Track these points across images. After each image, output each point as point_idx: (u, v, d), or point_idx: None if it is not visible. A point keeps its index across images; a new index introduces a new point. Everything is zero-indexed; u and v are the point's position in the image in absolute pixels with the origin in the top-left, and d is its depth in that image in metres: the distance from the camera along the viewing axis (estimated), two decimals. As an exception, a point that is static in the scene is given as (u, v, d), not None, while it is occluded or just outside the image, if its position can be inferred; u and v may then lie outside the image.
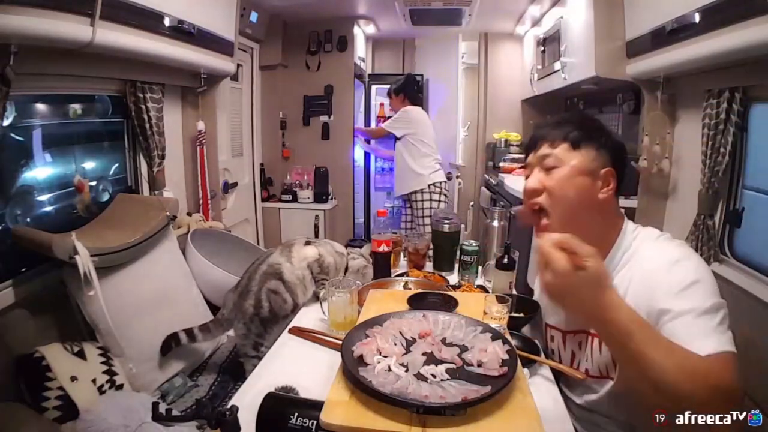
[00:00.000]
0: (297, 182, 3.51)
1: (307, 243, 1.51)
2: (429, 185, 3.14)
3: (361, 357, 0.76)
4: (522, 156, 3.50)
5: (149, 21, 1.74)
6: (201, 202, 2.49)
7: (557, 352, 1.00)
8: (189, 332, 1.68)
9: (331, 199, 3.57)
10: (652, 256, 0.82)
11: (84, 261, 1.47)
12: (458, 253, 1.48)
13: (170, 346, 1.69)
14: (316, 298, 1.35)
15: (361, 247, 1.56)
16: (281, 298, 1.46)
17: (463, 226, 1.81)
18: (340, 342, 0.82)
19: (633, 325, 0.62)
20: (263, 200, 3.50)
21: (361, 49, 3.69)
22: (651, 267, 0.80)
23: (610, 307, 0.63)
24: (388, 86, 3.38)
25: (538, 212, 0.89)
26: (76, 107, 1.94)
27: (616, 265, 0.87)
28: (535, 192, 0.88)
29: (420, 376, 0.72)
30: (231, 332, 1.65)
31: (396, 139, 3.24)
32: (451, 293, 1.16)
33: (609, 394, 0.87)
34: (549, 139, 0.89)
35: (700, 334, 0.67)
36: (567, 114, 1.10)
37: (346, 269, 1.47)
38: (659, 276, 0.77)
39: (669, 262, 0.78)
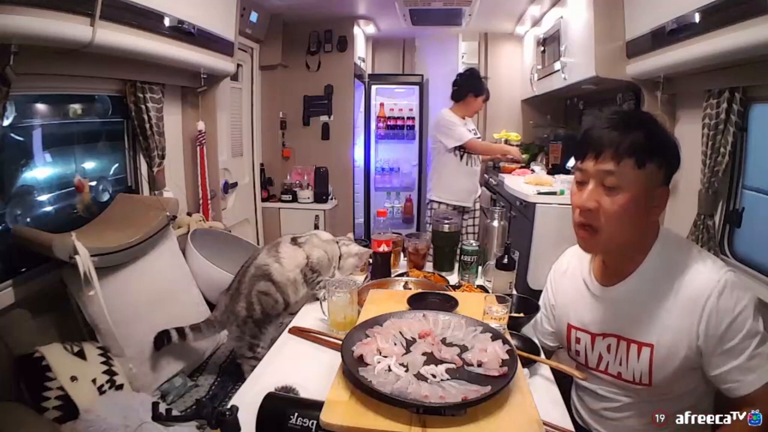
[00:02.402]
0: (297, 182, 3.51)
1: (293, 240, 1.49)
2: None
3: (361, 357, 0.76)
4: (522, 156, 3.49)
5: (149, 21, 1.74)
6: (201, 202, 2.50)
7: (583, 353, 0.98)
8: (180, 331, 1.68)
9: (331, 199, 3.57)
10: (701, 280, 0.82)
11: (84, 261, 1.47)
12: (458, 253, 1.49)
13: (162, 341, 1.68)
14: (316, 298, 1.35)
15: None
16: (272, 299, 1.46)
17: (463, 226, 1.81)
18: (340, 342, 0.82)
19: None
20: (263, 200, 3.50)
21: (361, 49, 3.69)
22: (700, 292, 0.80)
23: None
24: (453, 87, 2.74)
25: (586, 226, 0.86)
26: (76, 107, 1.94)
27: (655, 271, 0.87)
28: (590, 212, 0.84)
29: (420, 376, 0.72)
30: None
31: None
32: (451, 293, 1.16)
33: (633, 402, 0.92)
34: (614, 151, 0.80)
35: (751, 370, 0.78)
36: (631, 114, 1.01)
37: (340, 256, 1.47)
38: (709, 308, 0.79)
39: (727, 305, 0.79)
